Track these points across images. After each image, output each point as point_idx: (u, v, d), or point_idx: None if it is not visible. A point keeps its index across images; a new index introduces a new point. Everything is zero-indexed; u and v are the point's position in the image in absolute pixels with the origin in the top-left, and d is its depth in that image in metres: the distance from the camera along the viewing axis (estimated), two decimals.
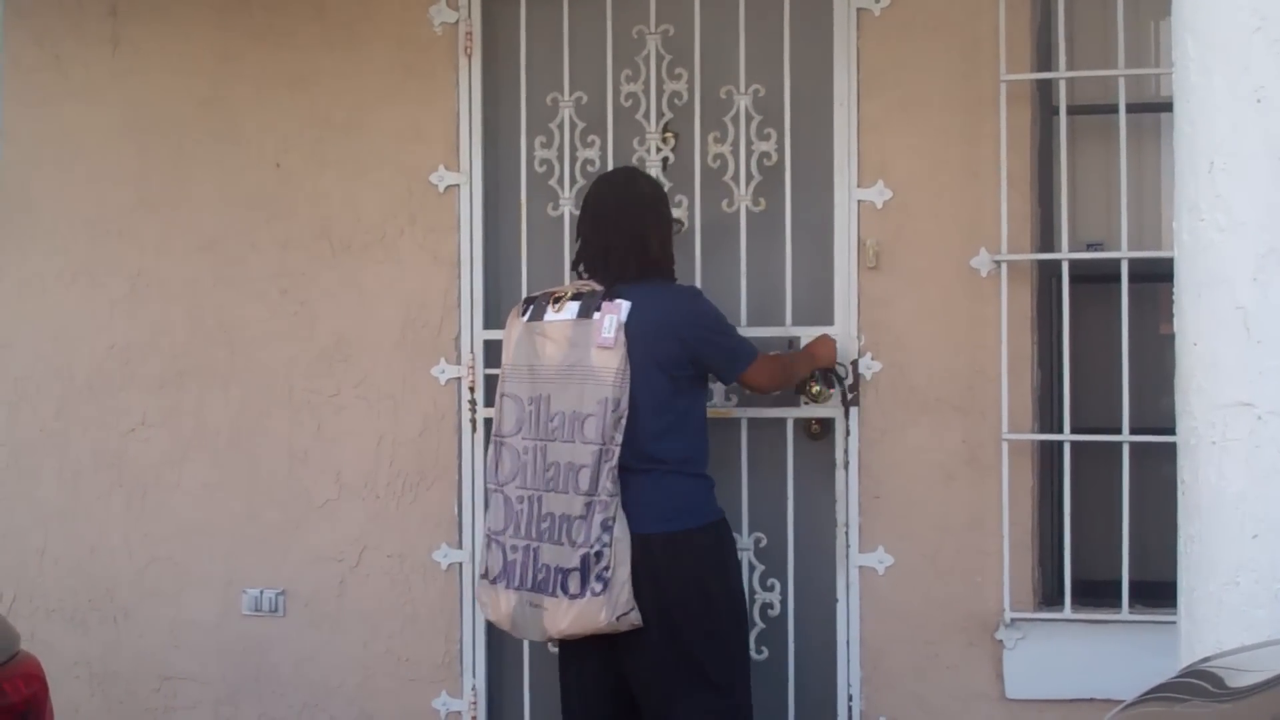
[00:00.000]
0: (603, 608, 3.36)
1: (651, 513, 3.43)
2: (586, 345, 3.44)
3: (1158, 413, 3.83)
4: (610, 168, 4.08)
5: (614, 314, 3.43)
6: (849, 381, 3.91)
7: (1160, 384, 3.82)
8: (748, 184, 4.05)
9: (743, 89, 4.05)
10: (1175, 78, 2.47)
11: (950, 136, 3.92)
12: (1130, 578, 3.77)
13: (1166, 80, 3.71)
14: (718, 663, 3.48)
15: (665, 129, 4.13)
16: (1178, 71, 2.47)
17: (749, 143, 4.05)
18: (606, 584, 3.36)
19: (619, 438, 3.39)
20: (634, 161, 4.10)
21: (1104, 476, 3.88)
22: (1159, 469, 3.79)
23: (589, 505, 3.38)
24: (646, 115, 4.11)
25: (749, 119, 4.04)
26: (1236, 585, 2.38)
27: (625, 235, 3.55)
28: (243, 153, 4.34)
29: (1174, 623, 2.60)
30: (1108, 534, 3.84)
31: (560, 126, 4.17)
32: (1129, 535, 3.78)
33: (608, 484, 3.38)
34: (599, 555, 3.37)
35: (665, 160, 4.11)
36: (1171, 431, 2.60)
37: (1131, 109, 3.83)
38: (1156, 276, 3.61)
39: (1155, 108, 3.96)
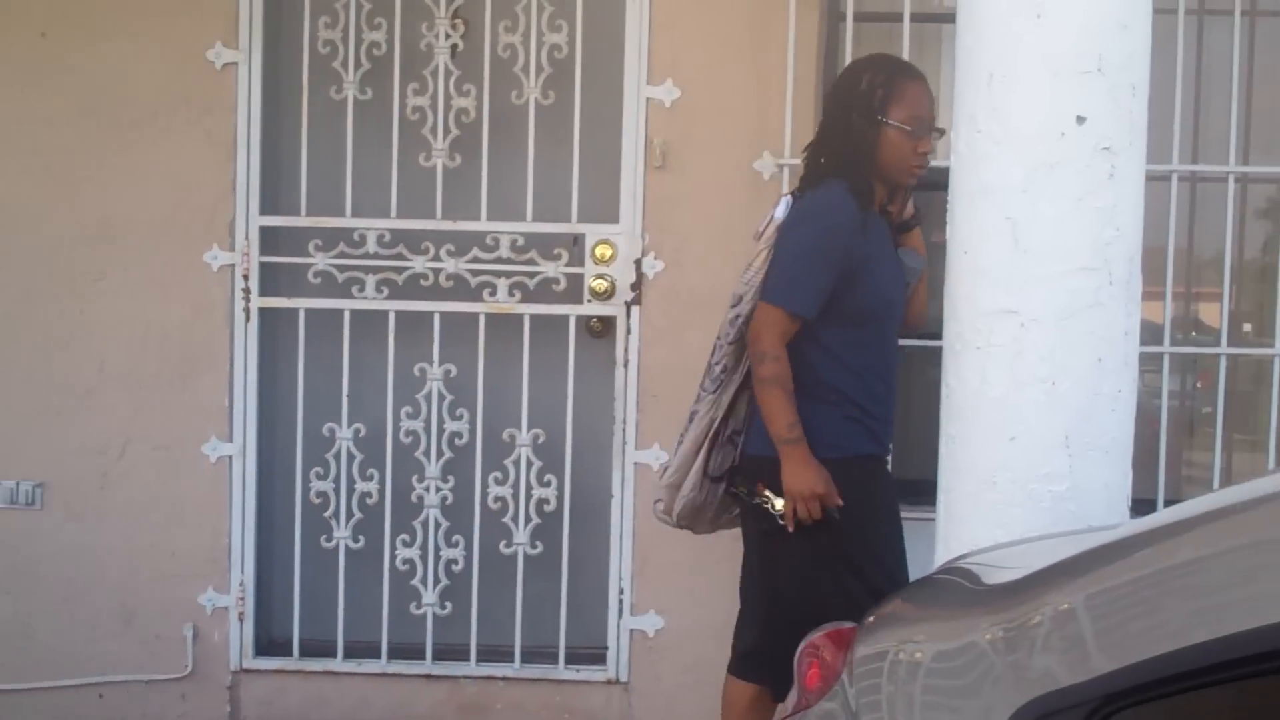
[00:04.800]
0: (657, 493, 3.35)
1: (749, 427, 3.24)
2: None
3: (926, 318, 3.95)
4: (397, 52, 3.98)
5: (774, 208, 3.21)
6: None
7: (931, 289, 3.94)
8: (538, 76, 4.00)
9: None
10: None
11: (740, 38, 3.93)
12: (897, 476, 3.87)
13: None
14: (760, 600, 3.31)
15: (455, 15, 4.03)
16: None
17: (540, 34, 3.99)
18: (664, 471, 3.33)
19: (732, 334, 3.18)
20: (422, 48, 4.00)
21: None
22: (924, 372, 3.93)
23: (697, 397, 3.28)
24: (436, 0, 4.01)
25: (540, 9, 3.98)
26: (994, 485, 2.46)
27: (821, 128, 3.28)
28: (6, 19, 4.07)
29: (934, 519, 2.70)
30: None
31: (345, 7, 4.03)
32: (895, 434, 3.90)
33: (705, 380, 3.25)
34: (678, 444, 3.31)
35: (454, 47, 4.02)
36: (938, 337, 2.67)
37: (915, 18, 3.89)
38: (932, 185, 3.70)
39: (938, 18, 4.04)
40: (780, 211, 3.17)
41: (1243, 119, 3.93)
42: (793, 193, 3.26)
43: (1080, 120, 2.38)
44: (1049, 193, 2.39)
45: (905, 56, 3.84)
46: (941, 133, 3.23)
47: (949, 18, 3.08)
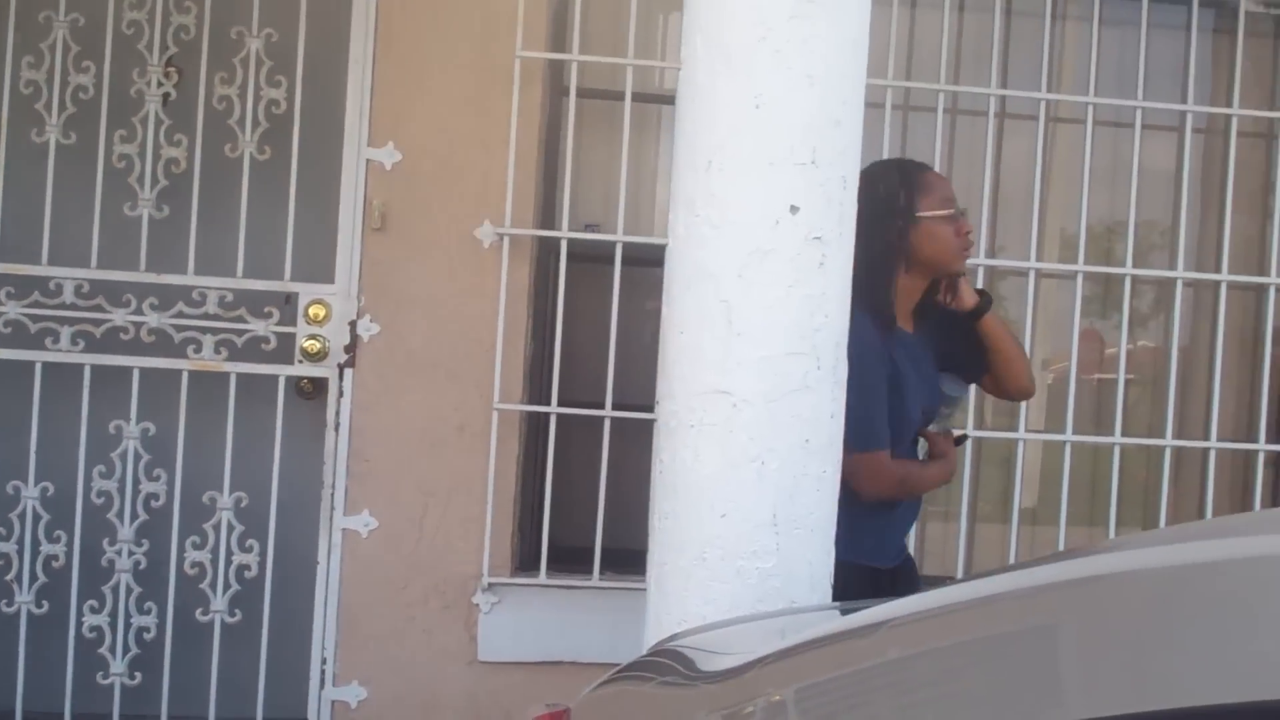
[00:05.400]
0: None
1: None
2: None
3: (640, 390, 4.02)
4: (105, 97, 3.83)
5: None
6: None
7: (644, 364, 4.02)
8: (254, 130, 3.90)
9: (255, 31, 3.89)
10: (682, 76, 2.56)
11: (464, 106, 3.94)
12: (605, 545, 3.94)
13: (671, 74, 3.91)
14: None
15: (169, 63, 3.90)
16: (685, 70, 2.55)
17: (258, 88, 3.90)
18: None
19: None
20: (132, 95, 3.86)
21: (586, 448, 4.03)
22: (637, 443, 3.98)
23: None
24: (149, 46, 3.87)
25: (259, 64, 3.90)
26: (704, 561, 2.50)
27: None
28: None
29: (643, 589, 2.72)
30: (586, 503, 4.00)
31: (52, 47, 3.85)
32: (605, 505, 3.95)
33: None
34: None
35: (166, 96, 3.89)
36: (652, 409, 2.71)
37: (637, 98, 3.98)
38: (648, 261, 3.79)
39: (658, 99, 4.14)
40: None
41: None
42: None
43: (794, 210, 2.46)
44: (762, 279, 2.45)
45: (626, 135, 3.93)
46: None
47: (668, 99, 3.16)
